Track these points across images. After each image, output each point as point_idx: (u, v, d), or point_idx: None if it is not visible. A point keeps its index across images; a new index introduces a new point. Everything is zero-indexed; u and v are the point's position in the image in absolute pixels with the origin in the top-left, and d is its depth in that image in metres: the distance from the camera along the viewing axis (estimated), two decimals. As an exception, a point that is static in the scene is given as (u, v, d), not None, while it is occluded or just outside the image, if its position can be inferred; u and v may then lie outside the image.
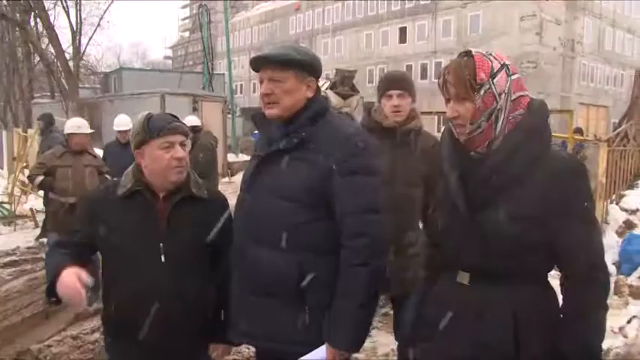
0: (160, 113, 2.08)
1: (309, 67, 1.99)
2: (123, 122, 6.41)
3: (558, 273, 1.65)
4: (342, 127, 1.99)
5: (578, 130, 9.01)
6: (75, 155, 5.23)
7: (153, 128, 2.01)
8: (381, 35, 40.02)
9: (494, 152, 1.60)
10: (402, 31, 38.49)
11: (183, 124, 2.12)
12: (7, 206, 10.57)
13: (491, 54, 1.64)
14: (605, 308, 1.56)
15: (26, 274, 6.35)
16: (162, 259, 2.03)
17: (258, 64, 1.99)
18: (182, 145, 2.06)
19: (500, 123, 1.59)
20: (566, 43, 33.34)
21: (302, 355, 1.88)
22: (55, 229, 5.22)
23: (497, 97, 1.58)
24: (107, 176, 5.25)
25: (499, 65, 1.61)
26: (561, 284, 1.62)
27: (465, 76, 1.57)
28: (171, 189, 2.08)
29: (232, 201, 2.21)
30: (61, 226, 5.00)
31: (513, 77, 1.62)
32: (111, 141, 6.80)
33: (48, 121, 8.52)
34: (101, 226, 2.05)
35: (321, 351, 1.89)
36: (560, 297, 1.66)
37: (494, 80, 1.58)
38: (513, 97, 1.61)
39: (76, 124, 5.34)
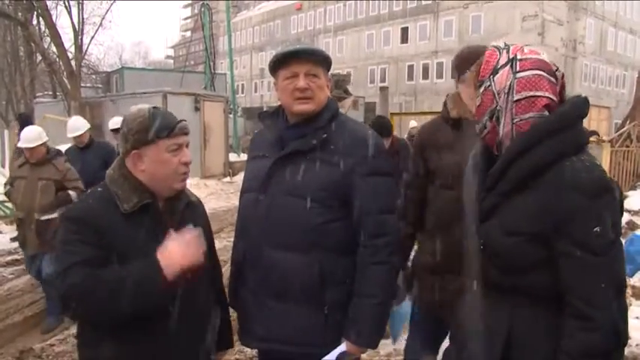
0: (160, 109, 1.80)
1: (330, 65, 2.02)
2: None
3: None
4: (358, 129, 2.02)
5: (594, 133, 9.07)
6: (33, 166, 4.66)
7: (161, 126, 1.71)
8: (383, 35, 39.99)
9: (501, 156, 1.48)
10: (404, 32, 38.46)
11: (185, 121, 1.84)
12: (9, 205, 10.57)
13: (509, 47, 1.49)
14: (603, 356, 1.32)
15: (28, 272, 6.34)
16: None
17: (294, 58, 1.92)
18: (187, 147, 1.82)
19: (502, 124, 1.46)
20: (568, 43, 33.30)
21: (322, 356, 1.88)
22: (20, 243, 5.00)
23: (495, 95, 1.46)
24: (70, 192, 4.67)
25: (505, 60, 1.47)
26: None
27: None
28: (171, 197, 1.82)
29: (234, 201, 2.20)
30: (22, 241, 4.86)
31: (522, 74, 1.44)
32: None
33: (24, 121, 8.29)
34: (112, 249, 1.68)
35: (341, 349, 1.90)
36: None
37: (495, 77, 1.46)
38: (517, 97, 1.43)
39: (27, 137, 4.63)
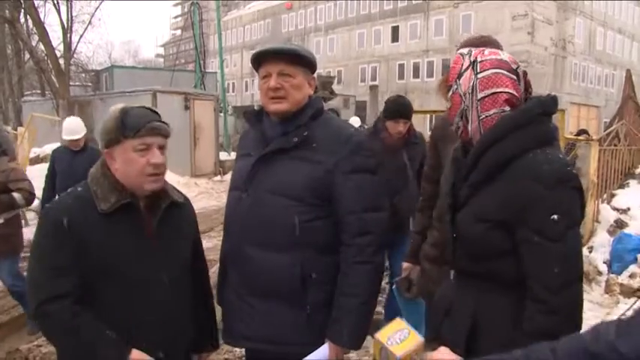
0: (140, 108, 1.77)
1: (312, 64, 2.00)
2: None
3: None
4: (341, 127, 2.01)
5: (584, 132, 9.14)
6: None
7: (129, 126, 1.69)
8: (374, 34, 40.06)
9: (472, 150, 1.59)
10: (395, 30, 38.55)
11: (165, 123, 1.79)
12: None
13: (471, 51, 1.61)
14: (556, 335, 1.23)
15: None
16: (165, 278, 1.78)
17: (266, 57, 1.94)
18: (161, 148, 1.75)
19: (470, 122, 1.58)
20: (557, 42, 33.53)
21: (304, 356, 1.86)
22: None
23: (462, 96, 1.58)
24: (15, 194, 4.27)
25: (468, 63, 1.59)
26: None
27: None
28: (151, 196, 1.79)
29: (224, 200, 2.19)
30: None
31: (483, 74, 1.54)
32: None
33: None
34: (89, 252, 1.66)
35: (324, 350, 1.88)
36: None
37: (460, 80, 1.58)
38: (481, 95, 1.54)
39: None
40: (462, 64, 1.59)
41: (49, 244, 1.67)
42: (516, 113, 1.52)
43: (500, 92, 1.53)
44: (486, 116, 1.54)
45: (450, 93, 1.60)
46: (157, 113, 1.80)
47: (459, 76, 1.58)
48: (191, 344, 1.95)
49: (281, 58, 1.93)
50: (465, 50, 1.63)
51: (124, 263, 1.70)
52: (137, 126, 1.70)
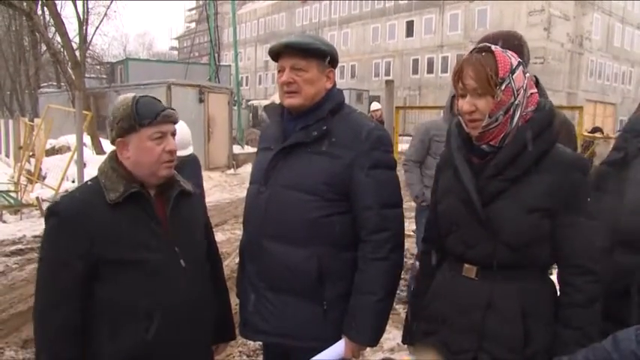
0: (145, 97, 1.77)
1: (330, 57, 1.96)
2: None
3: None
4: (361, 122, 1.98)
5: (598, 130, 9.02)
6: None
7: (143, 114, 1.70)
8: (388, 29, 39.87)
9: (507, 145, 1.63)
10: (409, 25, 38.34)
11: (173, 109, 1.80)
12: (13, 195, 10.62)
13: (506, 51, 1.67)
14: (600, 300, 1.60)
15: (32, 262, 6.36)
16: (183, 264, 1.78)
17: (280, 51, 1.93)
18: (173, 135, 1.79)
19: (516, 117, 1.62)
20: (574, 39, 33.14)
21: (319, 351, 1.86)
22: None
23: (514, 92, 1.61)
24: None
25: (517, 62, 1.64)
26: (559, 275, 1.67)
27: (486, 71, 1.59)
28: (162, 184, 1.80)
29: (237, 193, 2.20)
30: None
31: (527, 75, 1.67)
32: None
33: None
34: (100, 243, 1.66)
35: (339, 346, 1.88)
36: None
37: (514, 76, 1.61)
38: (528, 93, 1.65)
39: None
40: (510, 61, 1.62)
41: (57, 242, 1.68)
42: (547, 112, 1.67)
43: (535, 93, 1.69)
44: (525, 113, 1.64)
45: (503, 87, 1.59)
46: (160, 101, 1.81)
47: (512, 71, 1.61)
48: (211, 332, 1.96)
49: (294, 52, 1.91)
50: (497, 47, 1.66)
51: (140, 251, 1.70)
52: (152, 114, 1.70)
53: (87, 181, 1.81)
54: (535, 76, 2.02)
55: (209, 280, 1.94)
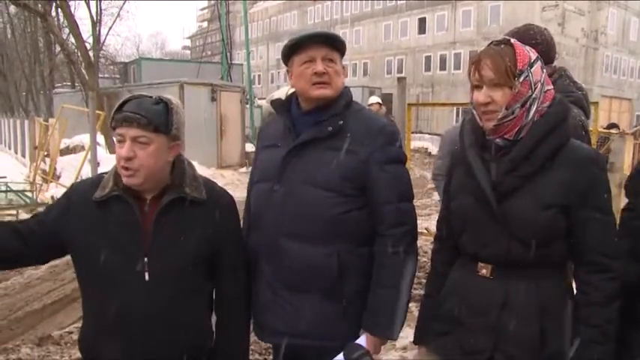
0: (135, 96, 1.70)
1: (344, 53, 1.97)
2: None
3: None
4: (373, 117, 2.00)
5: (615, 126, 8.90)
6: None
7: (112, 115, 1.66)
8: (400, 26, 39.68)
9: (522, 139, 1.61)
10: (422, 22, 38.11)
11: (134, 112, 1.64)
12: (28, 194, 10.74)
13: (525, 45, 1.66)
14: (619, 297, 1.57)
15: (47, 261, 6.44)
16: (147, 277, 1.67)
17: (310, 42, 1.88)
18: (136, 141, 1.62)
19: (532, 111, 1.61)
20: (589, 34, 32.75)
21: (340, 350, 1.83)
22: None
23: (532, 85, 1.60)
24: None
25: (535, 56, 1.64)
26: (574, 273, 1.65)
27: (505, 62, 1.58)
28: (159, 190, 1.71)
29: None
30: None
31: (545, 71, 1.67)
32: None
33: None
34: (74, 225, 1.70)
35: (361, 342, 1.86)
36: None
37: (532, 69, 1.61)
38: (547, 87, 1.65)
39: None
40: (529, 55, 1.62)
41: (55, 202, 1.87)
42: (561, 107, 1.66)
43: (551, 89, 1.67)
44: (541, 107, 1.63)
45: (521, 79, 1.58)
46: (150, 97, 1.72)
47: (531, 64, 1.61)
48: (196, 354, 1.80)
49: (324, 43, 1.89)
50: (516, 41, 1.66)
51: (102, 250, 1.65)
52: (114, 115, 1.67)
53: (103, 173, 1.82)
54: (564, 69, 2.06)
55: (193, 302, 1.78)
